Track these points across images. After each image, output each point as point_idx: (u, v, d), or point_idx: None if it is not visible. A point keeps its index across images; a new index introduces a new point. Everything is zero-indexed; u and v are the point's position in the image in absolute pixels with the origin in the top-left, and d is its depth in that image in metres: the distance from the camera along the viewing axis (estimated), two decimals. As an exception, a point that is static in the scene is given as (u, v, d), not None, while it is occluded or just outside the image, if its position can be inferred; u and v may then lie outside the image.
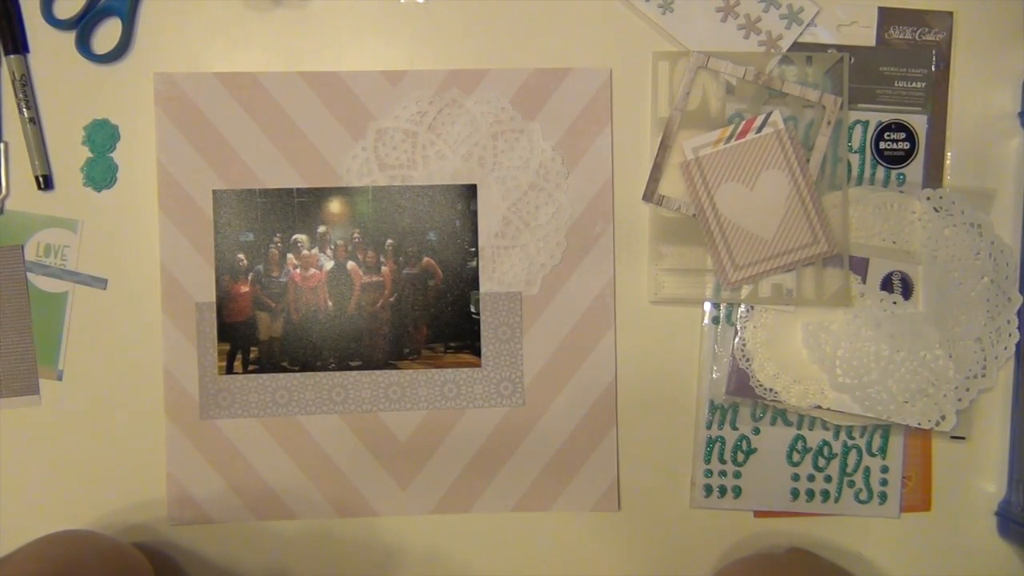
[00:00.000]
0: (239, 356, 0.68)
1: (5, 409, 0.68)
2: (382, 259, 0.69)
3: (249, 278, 0.68)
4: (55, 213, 0.68)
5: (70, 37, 0.67)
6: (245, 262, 0.68)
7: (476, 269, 0.69)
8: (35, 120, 0.67)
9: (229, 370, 0.68)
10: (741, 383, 0.69)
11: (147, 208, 0.68)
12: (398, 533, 0.69)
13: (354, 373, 0.69)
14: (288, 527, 0.69)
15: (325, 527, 0.69)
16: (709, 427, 0.70)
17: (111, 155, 0.68)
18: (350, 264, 0.69)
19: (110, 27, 0.68)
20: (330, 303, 0.69)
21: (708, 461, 0.70)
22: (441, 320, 0.69)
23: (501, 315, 0.69)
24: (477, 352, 0.69)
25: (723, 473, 0.70)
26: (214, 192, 0.68)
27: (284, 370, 0.68)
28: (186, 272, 0.68)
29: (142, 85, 0.68)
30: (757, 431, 0.70)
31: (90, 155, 0.68)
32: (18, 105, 0.67)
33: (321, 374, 0.68)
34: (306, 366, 0.68)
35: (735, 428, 0.70)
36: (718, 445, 0.70)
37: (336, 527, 0.69)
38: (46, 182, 0.68)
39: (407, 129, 0.69)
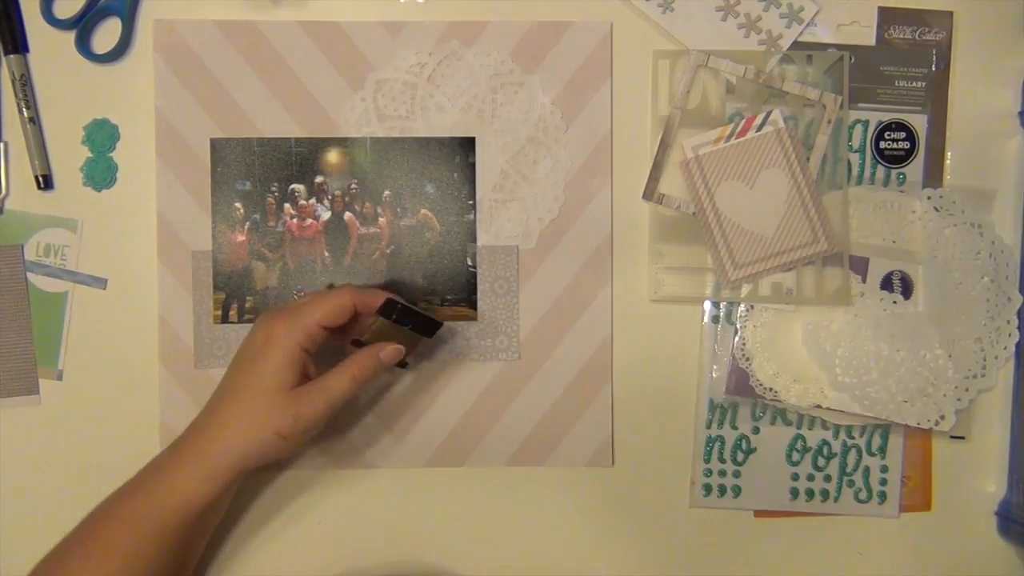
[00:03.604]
0: (234, 305, 0.68)
1: (5, 409, 0.68)
2: (379, 210, 0.69)
3: (246, 227, 0.68)
4: (55, 213, 0.68)
5: (70, 37, 0.67)
6: (242, 211, 0.68)
7: (473, 222, 0.69)
8: (35, 120, 0.67)
9: (224, 319, 0.68)
10: (741, 382, 0.69)
11: (147, 208, 0.68)
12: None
13: None
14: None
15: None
16: (709, 426, 0.70)
17: (111, 155, 0.68)
18: (347, 215, 0.69)
19: (110, 27, 0.68)
20: (326, 254, 0.69)
21: (708, 460, 0.70)
22: (438, 273, 0.69)
23: (498, 269, 0.69)
24: (473, 305, 0.69)
25: (723, 472, 0.70)
26: (212, 140, 0.68)
27: None
28: (182, 220, 0.68)
29: (142, 85, 0.68)
30: (757, 430, 0.70)
31: (90, 155, 0.68)
32: (18, 105, 0.67)
33: None
34: None
35: (735, 427, 0.70)
36: (718, 444, 0.70)
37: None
38: (46, 182, 0.68)
39: (406, 80, 0.69)
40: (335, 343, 0.63)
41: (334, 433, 0.69)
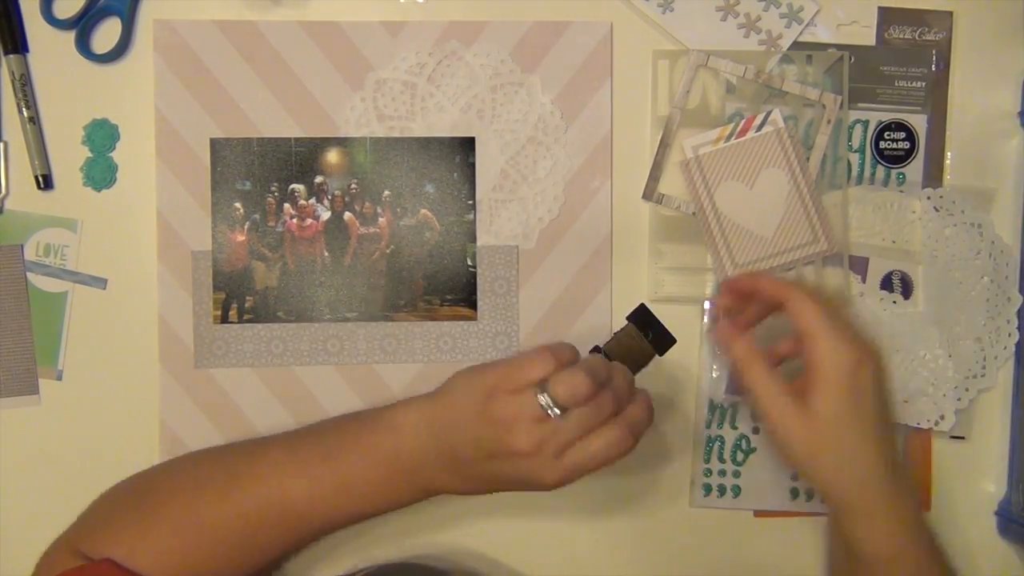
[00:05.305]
0: (234, 305, 0.68)
1: (5, 409, 0.68)
2: (379, 210, 0.69)
3: (245, 227, 0.68)
4: (55, 213, 0.68)
5: (70, 37, 0.67)
6: (242, 211, 0.68)
7: (473, 222, 0.69)
8: (35, 120, 0.67)
9: (224, 319, 0.68)
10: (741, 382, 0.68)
11: (147, 208, 0.68)
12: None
13: (349, 324, 0.69)
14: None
15: None
16: (708, 426, 0.70)
17: (111, 155, 0.68)
18: (347, 215, 0.69)
19: (110, 27, 0.68)
20: (326, 254, 0.69)
21: (707, 460, 0.70)
22: (438, 273, 0.69)
23: (498, 269, 0.69)
24: (473, 305, 0.69)
25: (722, 472, 0.70)
26: (212, 140, 0.68)
27: (279, 320, 0.68)
28: (182, 220, 0.68)
29: (142, 85, 0.68)
30: (756, 430, 0.70)
31: (90, 155, 0.68)
32: (18, 105, 0.67)
33: (316, 325, 0.68)
34: (301, 316, 0.69)
35: (735, 427, 0.70)
36: (717, 444, 0.70)
37: None
38: (46, 182, 0.68)
39: (406, 80, 0.69)
40: None
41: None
